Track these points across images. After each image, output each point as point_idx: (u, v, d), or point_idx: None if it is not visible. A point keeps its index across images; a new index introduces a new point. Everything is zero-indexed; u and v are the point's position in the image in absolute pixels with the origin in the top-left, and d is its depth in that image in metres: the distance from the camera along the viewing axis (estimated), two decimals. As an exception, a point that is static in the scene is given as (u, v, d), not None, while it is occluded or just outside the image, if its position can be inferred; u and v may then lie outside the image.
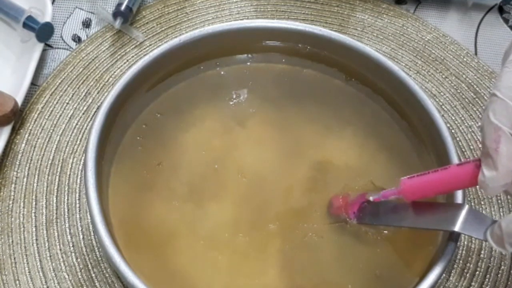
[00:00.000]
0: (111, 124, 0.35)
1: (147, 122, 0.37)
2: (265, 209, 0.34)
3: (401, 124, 0.37)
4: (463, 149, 0.40)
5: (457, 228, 0.29)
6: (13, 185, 0.38)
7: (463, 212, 0.29)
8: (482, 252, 0.36)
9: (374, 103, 0.38)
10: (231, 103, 0.38)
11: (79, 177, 0.38)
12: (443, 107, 0.42)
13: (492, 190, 0.27)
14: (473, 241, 0.37)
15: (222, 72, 0.39)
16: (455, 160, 0.33)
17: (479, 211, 0.34)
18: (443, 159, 0.34)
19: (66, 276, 0.35)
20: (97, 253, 0.36)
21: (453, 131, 0.41)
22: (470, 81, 0.43)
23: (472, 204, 0.38)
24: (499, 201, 0.38)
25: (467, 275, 0.36)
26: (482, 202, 0.38)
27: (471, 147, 0.40)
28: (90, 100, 0.41)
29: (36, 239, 0.36)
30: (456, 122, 0.41)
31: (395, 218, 0.32)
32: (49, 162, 0.39)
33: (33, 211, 0.37)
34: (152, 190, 0.34)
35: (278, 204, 0.35)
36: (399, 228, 0.33)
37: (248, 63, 0.40)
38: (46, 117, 0.41)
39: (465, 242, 0.37)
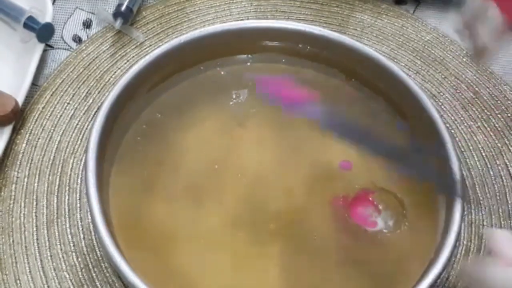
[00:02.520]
0: (111, 124, 0.35)
1: (147, 122, 0.37)
2: (265, 209, 0.34)
3: (401, 124, 0.38)
4: (462, 149, 0.40)
5: None
6: (13, 185, 0.38)
7: None
8: (481, 252, 0.36)
9: (374, 103, 0.38)
10: (231, 103, 0.38)
11: (79, 177, 0.38)
12: (442, 107, 0.42)
13: None
14: (472, 241, 0.37)
15: (222, 72, 0.39)
16: (454, 160, 0.33)
17: None
18: (443, 159, 0.34)
19: (67, 276, 0.35)
20: (98, 252, 0.36)
21: (452, 131, 0.41)
22: (469, 81, 0.43)
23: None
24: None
25: (467, 274, 0.36)
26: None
27: (471, 148, 0.40)
28: (91, 100, 0.41)
29: (37, 239, 0.36)
30: (455, 122, 0.41)
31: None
32: (50, 162, 0.39)
33: (34, 211, 0.37)
34: (153, 190, 0.34)
35: (278, 204, 0.35)
36: (397, 231, 0.33)
37: (248, 63, 0.40)
38: (47, 117, 0.41)
39: (464, 242, 0.37)
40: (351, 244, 0.33)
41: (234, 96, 0.39)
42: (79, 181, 0.38)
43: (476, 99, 0.42)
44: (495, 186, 0.38)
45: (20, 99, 0.39)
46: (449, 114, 0.41)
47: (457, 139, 0.40)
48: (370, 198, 0.35)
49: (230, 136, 0.37)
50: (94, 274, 0.35)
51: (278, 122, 0.38)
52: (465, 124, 0.41)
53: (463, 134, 0.41)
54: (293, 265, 0.33)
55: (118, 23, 0.43)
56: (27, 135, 0.40)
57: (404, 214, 0.34)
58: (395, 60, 0.43)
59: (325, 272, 0.33)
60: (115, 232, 0.32)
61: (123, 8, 0.43)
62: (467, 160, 0.40)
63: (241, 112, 0.38)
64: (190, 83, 0.39)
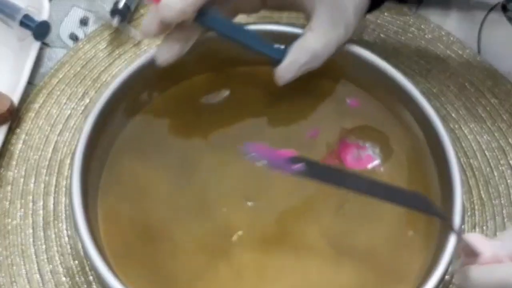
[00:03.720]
0: (97, 138, 0.33)
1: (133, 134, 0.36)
2: (269, 212, 0.34)
3: (400, 126, 0.37)
4: (466, 150, 0.39)
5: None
6: (9, 186, 0.38)
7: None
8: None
9: (370, 104, 0.38)
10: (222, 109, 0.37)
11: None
12: (445, 106, 0.41)
13: None
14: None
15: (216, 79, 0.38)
16: (454, 165, 0.32)
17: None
18: (443, 162, 0.33)
19: (64, 279, 0.35)
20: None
21: (456, 131, 0.40)
22: (473, 81, 0.42)
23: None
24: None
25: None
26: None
27: (474, 148, 0.40)
28: (88, 100, 0.41)
29: (33, 241, 0.36)
30: (459, 122, 0.41)
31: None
32: (46, 163, 0.38)
33: (30, 212, 0.37)
34: (143, 194, 0.34)
35: (278, 197, 0.34)
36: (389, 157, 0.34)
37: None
38: (43, 117, 0.40)
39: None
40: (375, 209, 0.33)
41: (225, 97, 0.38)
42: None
43: (480, 99, 0.42)
44: (499, 187, 0.38)
45: (16, 99, 0.39)
46: (453, 114, 0.41)
47: (460, 139, 0.40)
48: (349, 142, 0.35)
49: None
50: (91, 277, 0.35)
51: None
52: (469, 124, 0.40)
53: (467, 134, 0.40)
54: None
55: (115, 21, 0.43)
56: (23, 135, 0.40)
57: (385, 137, 0.35)
58: (397, 58, 0.43)
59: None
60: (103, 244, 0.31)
61: (121, 5, 0.43)
62: (471, 160, 0.39)
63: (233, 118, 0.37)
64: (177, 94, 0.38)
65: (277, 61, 0.33)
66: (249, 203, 0.33)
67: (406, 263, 0.32)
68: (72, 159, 0.32)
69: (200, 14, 0.31)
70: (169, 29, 0.32)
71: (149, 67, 0.34)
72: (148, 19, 0.31)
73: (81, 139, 0.32)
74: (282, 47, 0.33)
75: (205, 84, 0.37)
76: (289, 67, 0.33)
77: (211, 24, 0.32)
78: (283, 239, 0.33)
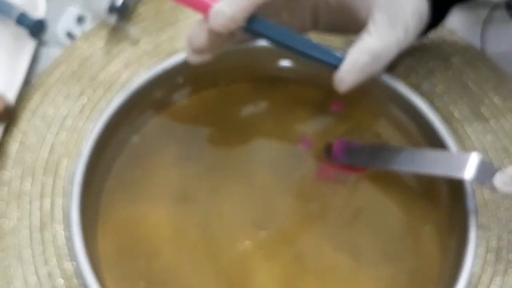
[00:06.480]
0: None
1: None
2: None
3: (392, 125, 0.37)
4: (468, 150, 0.39)
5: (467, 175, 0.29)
6: (6, 187, 0.37)
7: (472, 160, 0.29)
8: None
9: (357, 107, 0.37)
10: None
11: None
12: (447, 105, 0.40)
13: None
14: (483, 244, 0.36)
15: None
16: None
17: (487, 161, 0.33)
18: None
19: (62, 281, 0.34)
20: (93, 257, 0.35)
21: (458, 131, 0.40)
22: (477, 81, 0.42)
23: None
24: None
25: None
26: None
27: (477, 148, 0.39)
28: (85, 100, 0.40)
29: (30, 243, 0.35)
30: (461, 122, 0.40)
31: (394, 161, 0.32)
32: (43, 164, 0.38)
33: (27, 213, 0.36)
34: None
35: (301, 226, 0.34)
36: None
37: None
38: (40, 116, 0.40)
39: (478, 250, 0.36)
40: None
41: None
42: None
43: (483, 98, 0.41)
44: (502, 187, 0.38)
45: (12, 98, 0.38)
46: (455, 114, 0.40)
47: (464, 142, 0.39)
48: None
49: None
50: (89, 280, 0.34)
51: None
52: (472, 124, 0.40)
53: (470, 134, 0.40)
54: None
55: (113, 19, 0.42)
56: (19, 135, 0.39)
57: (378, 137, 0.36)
58: (398, 58, 0.42)
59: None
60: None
61: (119, 3, 0.42)
62: (473, 161, 0.39)
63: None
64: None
65: (335, 68, 0.32)
66: (262, 232, 0.33)
67: (427, 258, 0.32)
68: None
69: (250, 21, 0.30)
70: (219, 43, 0.31)
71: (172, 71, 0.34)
72: (194, 30, 0.30)
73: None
74: (340, 54, 0.32)
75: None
76: (349, 69, 0.32)
77: (262, 31, 0.31)
78: (304, 267, 0.33)
